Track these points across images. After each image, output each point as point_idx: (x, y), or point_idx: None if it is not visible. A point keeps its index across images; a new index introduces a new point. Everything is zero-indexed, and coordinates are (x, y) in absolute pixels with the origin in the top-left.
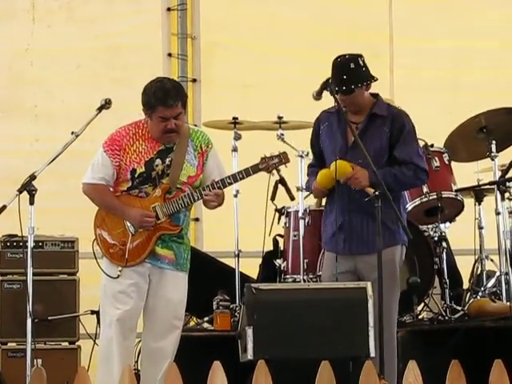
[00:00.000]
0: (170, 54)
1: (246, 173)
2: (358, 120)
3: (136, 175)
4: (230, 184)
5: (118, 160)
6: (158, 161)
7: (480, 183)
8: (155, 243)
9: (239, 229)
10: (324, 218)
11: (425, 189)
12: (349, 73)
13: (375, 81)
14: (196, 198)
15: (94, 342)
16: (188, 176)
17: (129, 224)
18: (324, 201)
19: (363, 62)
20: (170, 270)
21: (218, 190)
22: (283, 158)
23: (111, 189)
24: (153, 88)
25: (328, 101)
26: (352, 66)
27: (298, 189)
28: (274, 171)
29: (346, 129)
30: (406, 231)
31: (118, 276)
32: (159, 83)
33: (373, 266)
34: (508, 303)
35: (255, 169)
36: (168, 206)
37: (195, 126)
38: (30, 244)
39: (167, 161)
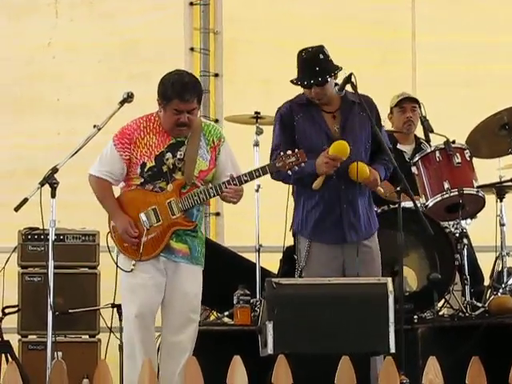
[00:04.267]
0: (192, 49)
1: (263, 171)
2: (332, 109)
3: (146, 169)
4: (247, 181)
5: (128, 154)
6: (169, 155)
7: (502, 180)
8: (170, 238)
9: (260, 223)
10: (310, 208)
11: (446, 185)
12: (320, 64)
13: (340, 70)
14: (212, 194)
15: (119, 336)
16: (200, 170)
17: (144, 218)
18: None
19: (327, 51)
20: (185, 263)
21: (235, 186)
22: (300, 157)
23: (122, 183)
24: (171, 80)
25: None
26: (321, 56)
27: None
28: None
29: (324, 118)
30: (427, 227)
31: (132, 270)
32: (178, 76)
33: (360, 255)
34: None
35: (272, 167)
36: (184, 202)
37: (208, 118)
38: (51, 237)
39: (178, 155)
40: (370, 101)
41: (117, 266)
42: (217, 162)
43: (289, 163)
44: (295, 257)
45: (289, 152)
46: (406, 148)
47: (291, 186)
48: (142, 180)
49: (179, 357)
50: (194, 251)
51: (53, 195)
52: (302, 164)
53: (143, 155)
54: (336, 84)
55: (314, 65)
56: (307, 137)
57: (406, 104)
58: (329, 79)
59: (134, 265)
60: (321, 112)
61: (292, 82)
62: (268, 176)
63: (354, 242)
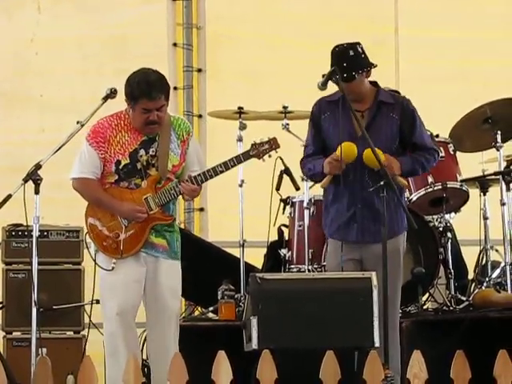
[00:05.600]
0: (175, 44)
1: (237, 160)
2: (362, 108)
3: (121, 167)
4: (222, 172)
5: (103, 152)
6: (142, 151)
7: (485, 173)
8: (149, 234)
9: (244, 219)
10: (329, 206)
11: (430, 179)
12: (349, 60)
13: (374, 67)
14: None
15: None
16: (172, 165)
17: None
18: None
19: (362, 49)
20: (164, 258)
21: (196, 185)
22: (273, 144)
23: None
24: (136, 79)
25: (332, 90)
26: (351, 53)
27: (302, 179)
28: (274, 160)
29: (351, 117)
30: (411, 221)
31: (113, 268)
32: (143, 74)
33: (380, 255)
34: None
35: (246, 156)
36: (160, 197)
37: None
38: (35, 233)
39: (151, 151)
40: (404, 102)
41: (95, 265)
42: (186, 155)
43: (262, 151)
44: (279, 252)
45: (264, 139)
46: None
47: (275, 182)
48: (117, 177)
49: (165, 356)
50: (173, 246)
51: (36, 191)
52: (276, 151)
53: (117, 153)
54: (374, 82)
55: (342, 60)
56: (330, 135)
57: None
58: (356, 76)
59: (114, 263)
60: (349, 110)
61: (323, 75)
62: (252, 171)
63: (366, 243)
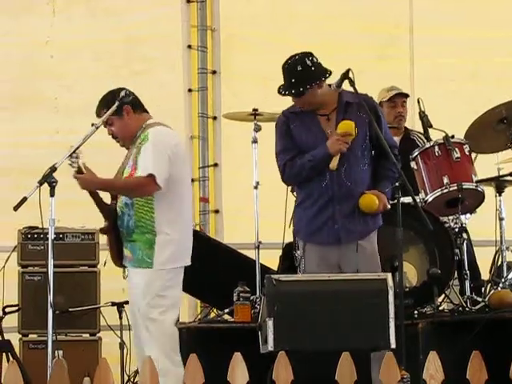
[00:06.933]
0: (189, 46)
1: None
2: (327, 111)
3: None
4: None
5: None
6: (120, 167)
7: (501, 174)
8: (113, 245)
9: (259, 220)
10: (303, 209)
11: (445, 180)
12: (296, 75)
13: (329, 75)
14: None
15: (119, 334)
16: (124, 178)
17: None
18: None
19: (311, 60)
20: (131, 267)
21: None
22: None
23: None
24: None
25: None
26: (299, 68)
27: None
28: None
29: (319, 121)
30: (426, 222)
31: (124, 277)
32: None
33: (361, 254)
34: None
35: None
36: None
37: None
38: (51, 236)
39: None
40: (369, 100)
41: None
42: (136, 164)
43: None
44: (294, 254)
45: None
46: (395, 139)
47: None
48: None
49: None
50: (135, 255)
51: (52, 194)
52: None
53: None
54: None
55: (291, 76)
56: (304, 143)
57: (398, 99)
58: (305, 91)
59: (124, 271)
60: (316, 116)
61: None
62: (267, 173)
63: (347, 243)
